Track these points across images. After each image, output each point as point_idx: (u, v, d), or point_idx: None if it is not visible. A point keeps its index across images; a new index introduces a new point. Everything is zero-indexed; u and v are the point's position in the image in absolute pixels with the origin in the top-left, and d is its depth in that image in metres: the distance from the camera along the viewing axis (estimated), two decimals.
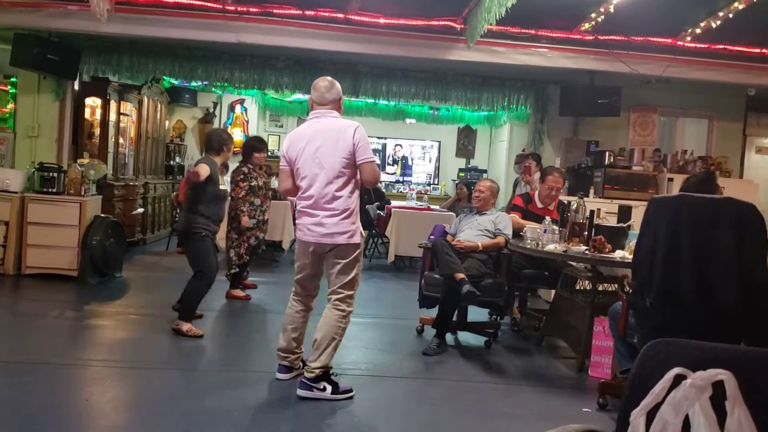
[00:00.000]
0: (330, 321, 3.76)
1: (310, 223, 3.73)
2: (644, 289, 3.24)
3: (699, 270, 3.08)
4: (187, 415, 3.40)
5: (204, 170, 4.81)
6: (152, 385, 3.86)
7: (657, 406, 1.38)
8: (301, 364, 4.05)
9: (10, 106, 7.61)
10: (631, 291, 3.69)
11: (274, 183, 8.93)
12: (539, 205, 5.76)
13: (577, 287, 5.11)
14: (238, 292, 6.23)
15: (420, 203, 9.36)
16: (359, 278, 3.88)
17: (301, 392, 3.73)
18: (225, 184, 5.31)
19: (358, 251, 3.80)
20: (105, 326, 5.17)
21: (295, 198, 4.03)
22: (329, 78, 3.89)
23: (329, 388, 3.74)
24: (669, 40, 7.16)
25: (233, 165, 6.70)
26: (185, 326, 4.85)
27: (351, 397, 3.77)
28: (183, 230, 5.06)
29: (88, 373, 4.02)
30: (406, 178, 12.59)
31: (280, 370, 4.00)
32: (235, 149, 11.53)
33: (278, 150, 12.03)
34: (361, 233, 3.81)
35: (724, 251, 3.05)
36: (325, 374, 3.76)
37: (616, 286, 4.11)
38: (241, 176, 6.11)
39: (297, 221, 3.88)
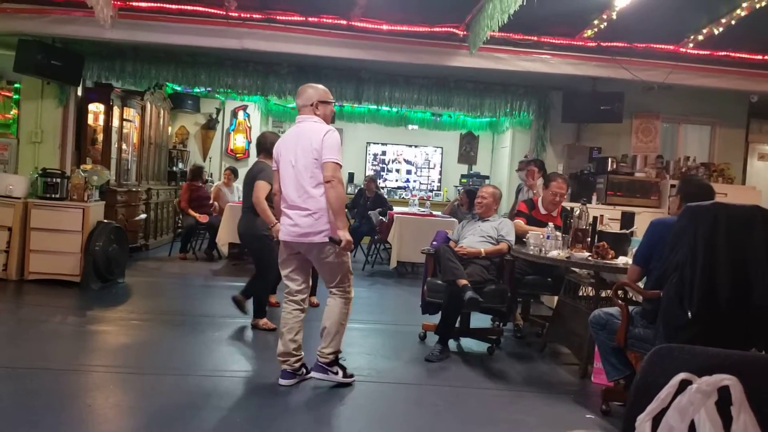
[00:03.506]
0: (336, 309, 4.00)
1: (287, 223, 3.95)
2: (684, 300, 3.20)
3: (736, 275, 3.12)
4: (189, 421, 3.39)
5: (265, 187, 4.99)
6: (154, 390, 3.86)
7: (662, 412, 1.38)
8: (304, 370, 4.07)
9: (14, 111, 7.64)
10: (643, 299, 3.69)
11: None
12: (543, 211, 5.76)
13: (580, 294, 5.10)
14: (272, 298, 6.01)
15: (422, 209, 9.36)
16: (350, 266, 4.06)
17: (316, 375, 4.01)
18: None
19: (333, 247, 3.90)
20: (107, 332, 5.17)
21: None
22: (312, 84, 4.16)
23: (340, 372, 4.05)
24: (671, 47, 7.18)
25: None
26: (261, 321, 5.31)
27: (353, 382, 4.08)
28: (245, 232, 5.31)
29: (90, 379, 4.01)
30: (408, 184, 12.61)
31: (283, 376, 4.00)
32: (238, 155, 11.62)
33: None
34: None
35: (757, 255, 3.13)
36: (336, 358, 4.04)
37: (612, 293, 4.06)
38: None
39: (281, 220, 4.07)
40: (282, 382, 3.98)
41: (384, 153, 12.67)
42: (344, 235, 3.83)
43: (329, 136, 3.84)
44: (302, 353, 4.04)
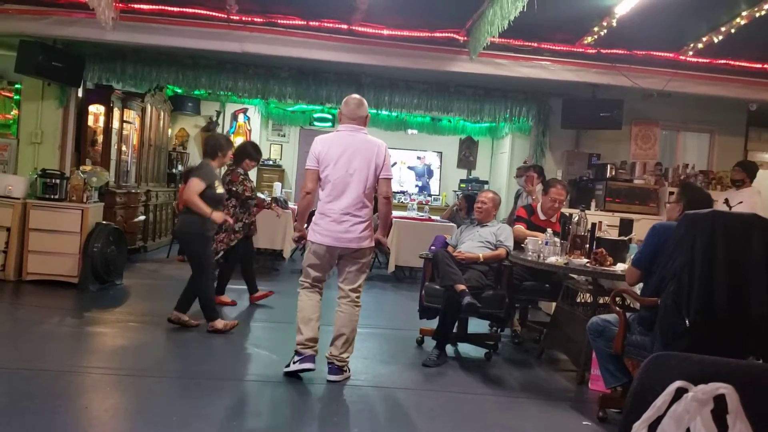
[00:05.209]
0: (353, 317, 4.23)
1: (336, 230, 4.09)
2: (682, 308, 3.21)
3: (733, 284, 3.13)
4: (185, 424, 3.38)
5: (196, 186, 5.07)
6: (151, 393, 3.86)
7: (658, 420, 1.38)
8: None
9: (14, 112, 7.63)
10: (641, 307, 3.70)
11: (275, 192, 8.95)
12: (542, 217, 5.77)
13: (578, 300, 5.11)
14: (224, 298, 6.26)
15: (421, 214, 9.36)
16: None
17: (332, 377, 4.17)
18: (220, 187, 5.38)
19: (372, 252, 4.37)
20: (105, 333, 5.17)
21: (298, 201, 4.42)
22: (359, 96, 4.31)
23: (350, 369, 4.32)
24: (671, 55, 7.19)
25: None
26: (219, 324, 5.16)
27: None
28: (185, 231, 5.26)
29: (87, 381, 4.01)
30: (407, 189, 12.59)
31: (307, 360, 4.12)
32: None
33: (280, 159, 12.08)
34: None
35: (755, 264, 3.13)
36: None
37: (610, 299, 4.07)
38: (242, 176, 6.16)
39: (316, 225, 4.14)
40: (307, 366, 4.11)
41: None
42: (387, 242, 4.36)
43: (388, 153, 4.19)
44: None
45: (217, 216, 5.10)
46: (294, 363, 4.15)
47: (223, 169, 6.29)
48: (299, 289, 4.27)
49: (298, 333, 4.17)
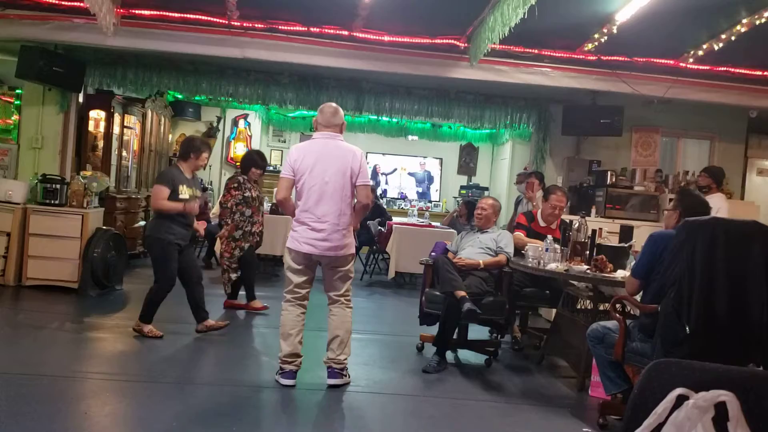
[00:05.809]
0: (346, 318, 4.22)
1: (314, 237, 4.05)
2: (682, 315, 3.21)
3: (734, 290, 3.12)
4: (184, 429, 3.38)
5: (160, 193, 4.96)
6: (150, 398, 3.84)
7: (659, 427, 1.38)
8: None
9: (15, 117, 7.64)
10: (641, 313, 3.70)
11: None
12: (542, 223, 5.76)
13: (578, 306, 5.10)
14: (256, 303, 6.38)
15: (421, 220, 9.36)
16: None
17: (332, 381, 4.16)
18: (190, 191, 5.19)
19: (354, 258, 4.30)
20: (104, 339, 5.16)
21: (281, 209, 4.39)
22: (334, 104, 4.29)
23: (350, 374, 4.30)
24: (671, 62, 7.20)
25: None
26: (146, 328, 5.07)
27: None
28: (147, 234, 5.18)
29: (86, 386, 4.01)
30: (407, 195, 12.60)
31: (287, 376, 4.10)
32: (239, 163, 11.65)
33: (280, 165, 12.08)
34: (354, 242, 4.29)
35: (756, 271, 3.13)
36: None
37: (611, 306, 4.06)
38: (235, 184, 6.23)
39: (294, 232, 4.14)
40: (287, 382, 4.09)
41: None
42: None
43: (364, 160, 4.18)
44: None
45: (189, 207, 5.01)
46: (276, 374, 4.20)
47: (227, 175, 6.36)
48: (282, 301, 4.25)
49: (280, 346, 4.18)
